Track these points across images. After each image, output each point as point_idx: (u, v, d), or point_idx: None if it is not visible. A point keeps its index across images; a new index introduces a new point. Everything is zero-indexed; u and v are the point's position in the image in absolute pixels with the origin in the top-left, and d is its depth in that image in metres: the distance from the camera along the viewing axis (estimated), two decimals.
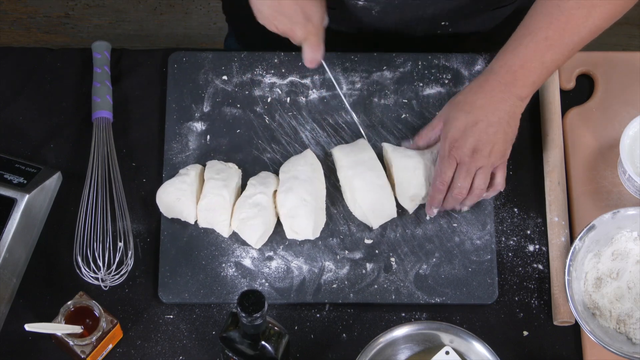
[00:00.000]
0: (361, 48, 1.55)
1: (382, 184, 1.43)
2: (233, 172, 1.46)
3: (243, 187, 1.46)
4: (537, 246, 1.47)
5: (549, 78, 1.54)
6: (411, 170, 1.43)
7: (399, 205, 1.46)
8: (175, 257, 1.43)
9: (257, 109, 1.52)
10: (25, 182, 1.42)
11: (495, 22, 1.60)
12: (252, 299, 1.17)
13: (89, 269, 1.40)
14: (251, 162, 1.49)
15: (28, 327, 1.30)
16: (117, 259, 1.42)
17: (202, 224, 1.44)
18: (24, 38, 2.62)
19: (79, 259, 1.40)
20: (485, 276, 1.43)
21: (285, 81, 1.54)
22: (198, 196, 1.44)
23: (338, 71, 1.54)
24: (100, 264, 1.41)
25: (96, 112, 1.50)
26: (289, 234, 1.44)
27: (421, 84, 1.54)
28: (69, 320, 1.33)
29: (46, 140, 1.51)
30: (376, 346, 1.35)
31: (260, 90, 1.53)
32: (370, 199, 1.43)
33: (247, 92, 1.53)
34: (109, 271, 1.41)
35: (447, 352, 1.36)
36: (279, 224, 1.45)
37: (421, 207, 1.46)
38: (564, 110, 1.54)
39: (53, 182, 1.46)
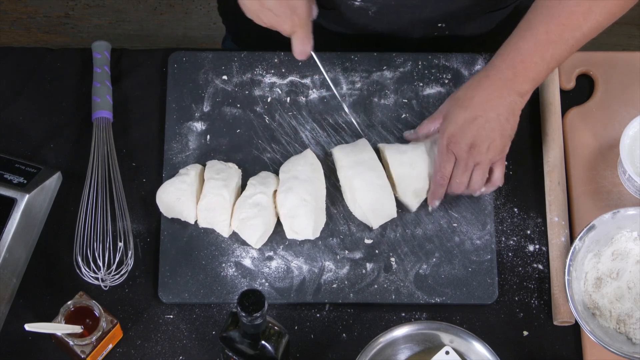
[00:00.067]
0: (359, 49, 1.55)
1: (382, 184, 1.43)
2: (233, 172, 1.46)
3: (243, 187, 1.46)
4: (537, 246, 1.47)
5: (549, 78, 1.54)
6: (408, 165, 1.44)
7: (399, 205, 1.46)
8: (175, 257, 1.43)
9: (257, 109, 1.52)
10: (25, 182, 1.42)
11: (491, 25, 1.60)
12: (252, 299, 1.17)
13: (89, 269, 1.40)
14: (251, 162, 1.49)
15: (28, 327, 1.30)
16: (117, 259, 1.42)
17: (202, 224, 1.44)
18: (24, 38, 2.62)
19: (79, 259, 1.40)
20: (485, 276, 1.43)
21: (285, 81, 1.54)
22: (198, 196, 1.44)
23: (338, 71, 1.54)
24: (100, 264, 1.41)
25: (96, 112, 1.50)
26: (289, 234, 1.44)
27: (421, 84, 1.54)
28: (69, 320, 1.33)
29: (46, 140, 1.51)
30: (376, 346, 1.35)
31: (260, 90, 1.53)
32: (370, 199, 1.43)
33: (247, 92, 1.53)
34: (109, 271, 1.41)
35: (447, 352, 1.36)
36: (279, 224, 1.45)
37: (421, 208, 1.46)
38: (564, 110, 1.54)
39: (53, 182, 1.46)
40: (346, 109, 1.50)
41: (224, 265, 1.43)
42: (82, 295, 1.36)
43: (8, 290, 1.40)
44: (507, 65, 1.37)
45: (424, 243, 1.45)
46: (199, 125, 1.51)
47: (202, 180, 1.46)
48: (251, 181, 1.45)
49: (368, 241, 1.45)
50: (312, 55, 1.44)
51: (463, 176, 1.40)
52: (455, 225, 1.46)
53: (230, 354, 1.27)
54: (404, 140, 1.50)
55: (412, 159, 1.44)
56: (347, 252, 1.44)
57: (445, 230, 1.46)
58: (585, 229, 1.41)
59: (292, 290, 1.42)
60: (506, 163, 1.50)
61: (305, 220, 1.42)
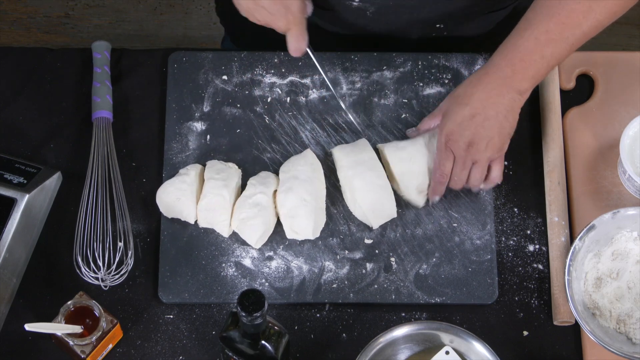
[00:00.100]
0: (357, 50, 1.55)
1: (382, 184, 1.43)
2: (233, 172, 1.46)
3: (243, 187, 1.46)
4: (537, 246, 1.47)
5: (549, 77, 1.54)
6: (407, 161, 1.44)
7: (399, 205, 1.46)
8: (175, 257, 1.43)
9: (257, 109, 1.52)
10: (25, 182, 1.42)
11: (490, 26, 1.59)
12: (252, 299, 1.17)
13: (89, 269, 1.40)
14: (251, 162, 1.49)
15: (28, 327, 1.30)
16: (117, 259, 1.42)
17: (202, 224, 1.44)
18: (24, 38, 2.62)
19: (79, 259, 1.40)
20: (485, 276, 1.43)
21: (285, 81, 1.54)
22: (198, 196, 1.44)
23: (338, 71, 1.54)
24: (100, 264, 1.41)
25: (96, 112, 1.50)
26: (289, 234, 1.44)
27: (421, 84, 1.54)
28: (69, 320, 1.33)
29: (46, 140, 1.51)
30: (376, 346, 1.35)
31: (260, 90, 1.53)
32: (370, 199, 1.43)
33: (247, 92, 1.53)
34: (109, 271, 1.41)
35: (447, 352, 1.36)
36: (279, 224, 1.45)
37: (420, 208, 1.46)
38: (564, 110, 1.54)
39: (53, 182, 1.46)
40: (343, 105, 1.50)
41: (224, 265, 1.43)
42: (82, 295, 1.36)
43: (8, 290, 1.40)
44: (506, 63, 1.36)
45: (424, 243, 1.45)
46: (199, 125, 1.51)
47: (202, 180, 1.46)
48: (251, 181, 1.45)
49: (368, 241, 1.45)
50: (307, 52, 1.44)
51: (461, 174, 1.41)
52: (455, 225, 1.46)
53: (230, 354, 1.27)
54: (403, 138, 1.50)
55: (411, 154, 1.44)
56: (347, 252, 1.44)
57: (445, 230, 1.46)
58: (585, 229, 1.41)
59: (292, 290, 1.42)
60: (506, 163, 1.51)
61: (305, 220, 1.42)
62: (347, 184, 1.45)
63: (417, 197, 1.45)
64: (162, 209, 1.45)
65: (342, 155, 1.46)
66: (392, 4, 1.48)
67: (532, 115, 1.54)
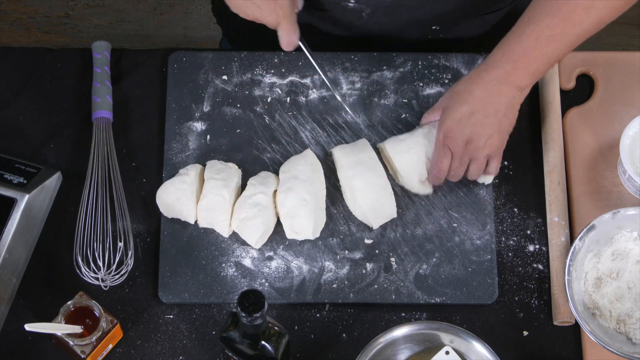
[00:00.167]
0: (354, 52, 1.55)
1: (382, 184, 1.43)
2: (233, 172, 1.46)
3: (243, 187, 1.46)
4: (537, 246, 1.47)
5: (549, 77, 1.54)
6: (406, 152, 1.44)
7: (399, 205, 1.46)
8: (175, 257, 1.43)
9: (257, 109, 1.52)
10: (25, 182, 1.42)
11: (485, 28, 1.59)
12: (252, 299, 1.17)
13: (89, 269, 1.40)
14: (251, 162, 1.49)
15: (28, 327, 1.30)
16: (117, 259, 1.42)
17: (202, 224, 1.44)
18: (24, 38, 2.62)
19: (79, 259, 1.40)
20: (485, 276, 1.43)
21: (285, 81, 1.54)
22: (198, 196, 1.44)
23: (338, 71, 1.54)
24: (100, 264, 1.41)
25: (96, 112, 1.50)
26: (289, 234, 1.44)
27: (421, 84, 1.54)
28: (69, 320, 1.33)
29: (46, 140, 1.51)
30: (376, 346, 1.35)
31: (260, 90, 1.53)
32: (370, 199, 1.43)
33: (247, 92, 1.53)
34: (109, 271, 1.41)
35: (447, 352, 1.36)
36: (279, 224, 1.45)
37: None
38: (564, 110, 1.54)
39: (53, 182, 1.46)
40: (338, 97, 1.50)
41: (224, 265, 1.43)
42: (82, 295, 1.36)
43: (8, 290, 1.40)
44: (507, 60, 1.36)
45: (424, 243, 1.45)
46: (199, 125, 1.51)
47: (202, 180, 1.46)
48: (251, 181, 1.45)
49: (368, 241, 1.45)
50: (300, 46, 1.44)
51: (459, 170, 1.42)
52: (455, 225, 1.46)
53: (230, 354, 1.27)
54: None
55: (410, 146, 1.44)
56: (347, 252, 1.44)
57: (445, 230, 1.46)
58: (585, 229, 1.41)
59: (292, 290, 1.42)
60: (506, 163, 1.51)
61: (305, 220, 1.42)
62: (347, 184, 1.45)
63: (421, 186, 1.45)
64: (162, 209, 1.45)
65: (342, 155, 1.46)
66: (388, 5, 1.48)
67: (532, 115, 1.54)
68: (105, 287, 1.41)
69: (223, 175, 1.44)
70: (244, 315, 1.17)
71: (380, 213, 1.44)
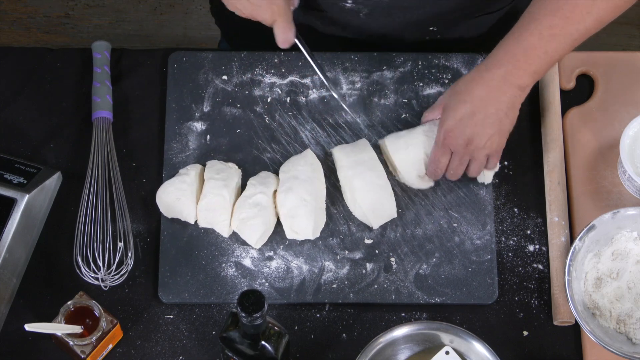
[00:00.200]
0: (353, 52, 1.55)
1: (382, 184, 1.43)
2: (233, 172, 1.46)
3: (243, 187, 1.46)
4: (537, 246, 1.47)
5: (549, 77, 1.54)
6: (404, 148, 1.44)
7: (399, 205, 1.46)
8: (175, 257, 1.43)
9: (257, 109, 1.52)
10: (25, 182, 1.42)
11: (482, 29, 1.59)
12: (252, 299, 1.17)
13: (89, 269, 1.40)
14: (251, 162, 1.49)
15: (28, 327, 1.30)
16: (117, 259, 1.42)
17: (202, 224, 1.44)
18: (24, 38, 2.62)
19: (79, 259, 1.40)
20: (485, 276, 1.43)
21: (285, 81, 1.54)
22: (198, 196, 1.44)
23: (338, 71, 1.54)
24: (100, 264, 1.41)
25: (96, 112, 1.50)
26: (289, 234, 1.44)
27: (421, 84, 1.54)
28: (69, 320, 1.33)
29: (46, 140, 1.51)
30: (376, 346, 1.35)
31: (260, 90, 1.53)
32: (370, 199, 1.43)
33: (247, 92, 1.53)
34: (109, 271, 1.41)
35: (447, 352, 1.36)
36: (279, 224, 1.45)
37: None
38: (564, 110, 1.54)
39: (53, 182, 1.46)
40: (334, 94, 1.49)
41: (224, 265, 1.43)
42: (82, 295, 1.36)
43: (8, 290, 1.40)
44: (508, 59, 1.36)
45: (424, 243, 1.45)
46: (199, 125, 1.51)
47: (202, 180, 1.46)
48: (251, 181, 1.45)
49: (368, 241, 1.45)
50: (296, 43, 1.43)
51: (458, 169, 1.42)
52: (455, 225, 1.46)
53: (230, 354, 1.27)
54: None
55: (408, 142, 1.44)
56: (347, 252, 1.44)
57: (445, 230, 1.46)
58: (585, 229, 1.41)
59: (292, 290, 1.42)
60: (506, 163, 1.51)
61: (305, 220, 1.42)
62: (347, 184, 1.45)
63: (420, 182, 1.45)
64: (162, 209, 1.45)
65: (342, 155, 1.46)
66: (385, 6, 1.48)
67: (532, 115, 1.54)
68: (105, 287, 1.41)
69: (223, 175, 1.44)
70: (244, 315, 1.17)
71: (380, 213, 1.44)
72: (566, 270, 1.39)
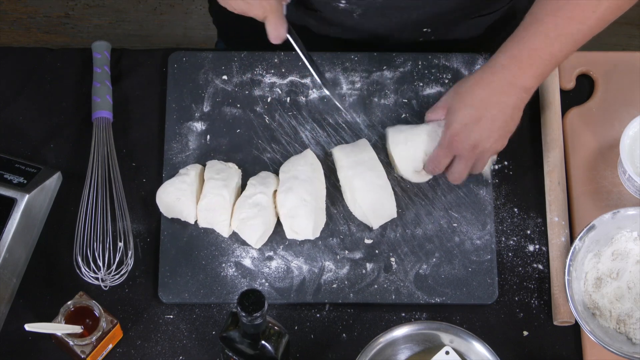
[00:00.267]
0: (353, 52, 1.55)
1: (382, 184, 1.43)
2: (233, 172, 1.46)
3: (243, 187, 1.46)
4: (537, 246, 1.47)
5: (549, 78, 1.54)
6: (403, 143, 1.44)
7: (399, 205, 1.46)
8: (175, 257, 1.43)
9: (257, 109, 1.52)
10: (25, 182, 1.42)
11: (478, 31, 1.59)
12: (252, 299, 1.17)
13: (89, 269, 1.40)
14: (251, 162, 1.49)
15: (28, 327, 1.30)
16: (117, 259, 1.42)
17: (202, 224, 1.44)
18: (24, 38, 2.62)
19: (79, 259, 1.40)
20: (485, 276, 1.43)
21: (285, 81, 1.54)
22: (198, 196, 1.44)
23: (338, 71, 1.54)
24: (100, 264, 1.41)
25: (96, 112, 1.50)
26: (289, 234, 1.44)
27: (421, 84, 1.54)
28: (69, 320, 1.33)
29: (46, 140, 1.51)
30: (376, 346, 1.35)
31: (260, 90, 1.53)
32: (370, 199, 1.43)
33: (247, 92, 1.53)
34: (109, 271, 1.41)
35: (447, 352, 1.36)
36: (279, 224, 1.45)
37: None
38: (564, 110, 1.54)
39: (53, 182, 1.46)
40: (326, 91, 1.49)
41: (224, 265, 1.43)
42: (82, 295, 1.36)
43: (8, 290, 1.40)
44: (513, 62, 1.35)
45: (424, 243, 1.45)
46: (199, 125, 1.51)
47: (202, 180, 1.46)
48: (251, 181, 1.45)
49: (368, 241, 1.45)
50: (288, 39, 1.43)
51: (463, 172, 1.41)
52: (455, 225, 1.46)
53: (230, 354, 1.27)
54: None
55: (408, 138, 1.44)
56: (347, 252, 1.44)
57: (445, 230, 1.46)
58: (585, 229, 1.41)
59: (292, 290, 1.42)
60: (506, 163, 1.51)
61: (305, 220, 1.42)
62: (347, 184, 1.45)
63: (417, 177, 1.45)
64: (162, 209, 1.45)
65: (342, 155, 1.46)
66: (379, 6, 1.48)
67: (532, 115, 1.54)
68: (105, 287, 1.41)
69: (223, 175, 1.44)
70: (244, 315, 1.17)
71: (380, 213, 1.44)
72: (566, 270, 1.39)
